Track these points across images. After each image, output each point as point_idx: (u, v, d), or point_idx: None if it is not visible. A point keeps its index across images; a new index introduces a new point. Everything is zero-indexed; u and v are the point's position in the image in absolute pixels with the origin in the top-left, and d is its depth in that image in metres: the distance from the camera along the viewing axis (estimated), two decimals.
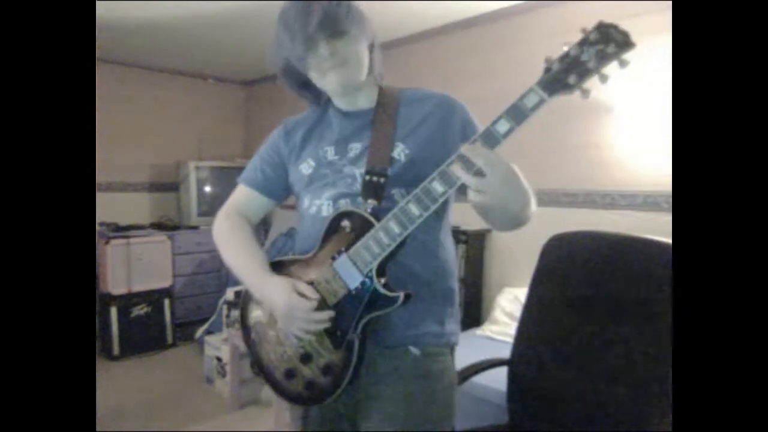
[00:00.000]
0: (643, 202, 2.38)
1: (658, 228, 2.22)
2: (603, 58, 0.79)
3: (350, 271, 0.97)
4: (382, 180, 1.00)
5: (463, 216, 1.11)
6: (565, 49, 0.82)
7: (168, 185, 4.32)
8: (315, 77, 1.04)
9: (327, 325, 1.01)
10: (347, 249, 0.97)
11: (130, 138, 4.10)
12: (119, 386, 3.11)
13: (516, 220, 0.99)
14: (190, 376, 3.27)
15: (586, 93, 0.82)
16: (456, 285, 1.12)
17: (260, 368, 1.15)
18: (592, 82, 0.82)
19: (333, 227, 1.01)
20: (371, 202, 0.99)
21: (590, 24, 0.80)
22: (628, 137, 2.41)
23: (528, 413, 1.53)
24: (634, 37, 0.78)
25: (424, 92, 1.11)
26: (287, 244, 3.46)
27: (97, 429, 0.82)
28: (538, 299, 1.59)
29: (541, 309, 1.58)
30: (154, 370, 3.41)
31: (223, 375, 2.98)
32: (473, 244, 2.84)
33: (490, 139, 0.85)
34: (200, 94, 4.53)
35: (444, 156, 0.89)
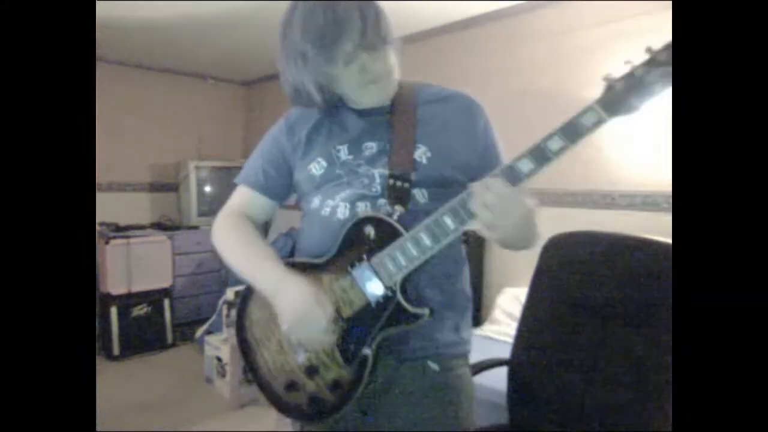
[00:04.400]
0: (643, 202, 2.38)
1: (658, 228, 2.22)
2: (671, 80, 0.74)
3: (372, 282, 0.91)
4: (406, 185, 0.94)
5: None
6: (629, 68, 0.77)
7: (168, 185, 4.32)
8: (349, 90, 0.97)
9: (335, 339, 0.93)
10: (369, 257, 0.91)
11: (130, 138, 4.10)
12: (119, 386, 3.11)
13: (516, 248, 1.01)
14: (190, 376, 3.27)
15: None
16: (470, 289, 1.08)
17: (255, 376, 1.05)
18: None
19: (354, 232, 0.94)
20: (398, 209, 0.93)
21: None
22: (628, 137, 2.41)
23: (528, 413, 1.53)
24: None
25: (443, 92, 1.05)
26: (287, 244, 3.45)
27: (97, 429, 0.81)
28: (538, 299, 1.59)
29: (541, 309, 1.58)
30: (154, 370, 3.41)
31: (223, 375, 2.98)
32: (473, 244, 2.84)
33: (512, 176, 0.81)
34: (200, 94, 4.52)
35: (467, 160, 0.86)
